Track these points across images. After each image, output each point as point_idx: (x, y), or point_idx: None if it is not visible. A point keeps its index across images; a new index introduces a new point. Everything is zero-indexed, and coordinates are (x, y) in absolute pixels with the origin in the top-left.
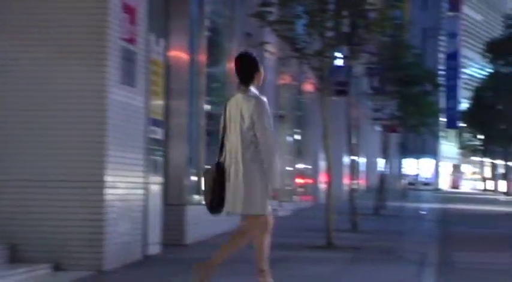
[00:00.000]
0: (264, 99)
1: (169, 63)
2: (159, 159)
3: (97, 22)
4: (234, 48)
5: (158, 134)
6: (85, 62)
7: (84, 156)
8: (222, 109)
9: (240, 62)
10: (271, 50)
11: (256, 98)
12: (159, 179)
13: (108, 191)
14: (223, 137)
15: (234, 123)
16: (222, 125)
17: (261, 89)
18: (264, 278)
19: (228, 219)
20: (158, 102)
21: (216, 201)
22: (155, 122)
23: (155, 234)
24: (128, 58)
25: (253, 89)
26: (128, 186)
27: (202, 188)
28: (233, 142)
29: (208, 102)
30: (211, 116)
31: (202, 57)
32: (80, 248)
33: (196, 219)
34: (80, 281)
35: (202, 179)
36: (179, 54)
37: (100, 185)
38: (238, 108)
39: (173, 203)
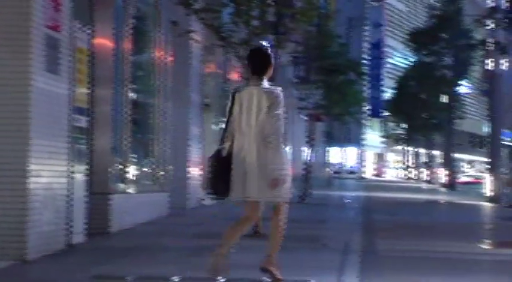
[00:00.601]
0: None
1: (94, 50)
2: (84, 147)
3: (20, 9)
4: (159, 36)
5: (83, 122)
6: (8, 49)
7: (7, 145)
8: (230, 99)
9: (255, 56)
10: (197, 38)
11: (277, 91)
12: (83, 167)
13: (31, 179)
14: (227, 126)
15: (247, 114)
16: (228, 114)
17: (186, 78)
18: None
19: (152, 209)
20: (83, 90)
21: (221, 187)
22: (79, 110)
23: (79, 223)
24: (52, 45)
25: (265, 82)
26: (52, 174)
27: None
28: (246, 133)
29: (134, 91)
30: (136, 104)
31: (128, 45)
32: (3, 238)
33: (121, 207)
34: (3, 271)
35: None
36: (104, 42)
37: (23, 173)
38: (254, 99)
39: (98, 191)
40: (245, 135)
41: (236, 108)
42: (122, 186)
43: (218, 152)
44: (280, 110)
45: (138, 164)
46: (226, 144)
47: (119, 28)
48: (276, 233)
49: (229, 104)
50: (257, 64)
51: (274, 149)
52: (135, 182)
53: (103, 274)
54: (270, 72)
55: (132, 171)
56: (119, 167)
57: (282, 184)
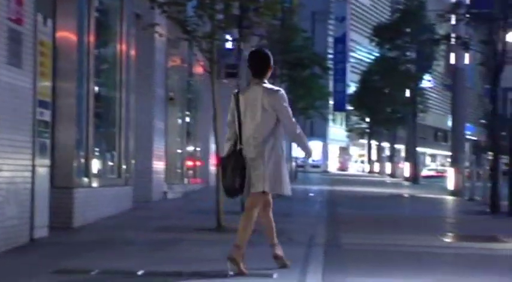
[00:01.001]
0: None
1: (57, 44)
2: (47, 141)
3: None
4: (123, 29)
5: (46, 115)
6: None
7: None
8: (232, 101)
9: (255, 58)
10: (161, 32)
11: (279, 91)
12: (46, 161)
13: None
14: (240, 126)
15: (251, 113)
16: (232, 114)
17: (150, 71)
18: (277, 250)
19: (116, 202)
20: (46, 84)
21: (240, 185)
22: (43, 104)
23: (43, 218)
24: (15, 39)
25: (266, 82)
26: (15, 168)
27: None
28: (250, 131)
29: (97, 84)
30: (100, 98)
31: (91, 39)
32: None
33: (84, 202)
34: None
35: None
36: (67, 35)
37: None
38: (257, 99)
39: (61, 185)
40: (251, 133)
41: (241, 108)
42: (85, 180)
43: (240, 152)
44: (288, 110)
45: (102, 157)
46: (237, 144)
47: (82, 21)
48: (243, 226)
49: (232, 106)
50: (257, 66)
51: (300, 141)
52: (99, 176)
53: (66, 268)
54: (269, 73)
55: (95, 165)
56: (82, 161)
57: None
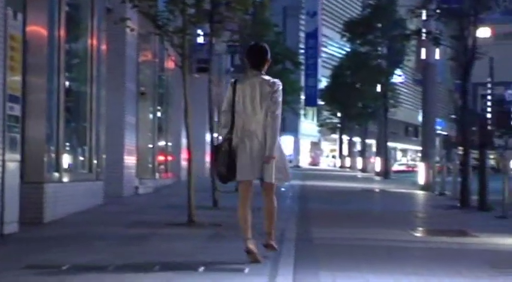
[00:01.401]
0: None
1: (27, 38)
2: (17, 136)
3: None
4: (94, 24)
5: (15, 110)
6: None
7: None
8: (230, 89)
9: (253, 51)
10: (132, 26)
11: (279, 83)
12: (16, 156)
13: None
14: (233, 116)
15: (251, 103)
16: (229, 104)
17: (121, 66)
18: (250, 244)
19: (87, 197)
20: (16, 78)
21: (230, 172)
22: (12, 98)
23: (12, 213)
24: None
25: (264, 74)
26: None
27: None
28: (252, 121)
29: (68, 79)
30: (71, 93)
31: (62, 33)
32: None
33: (54, 197)
34: None
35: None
36: (38, 29)
37: None
38: (257, 88)
39: (31, 180)
40: (251, 122)
41: (239, 97)
42: (56, 175)
43: (229, 141)
44: (280, 99)
45: (73, 152)
46: (227, 132)
47: (52, 15)
48: (272, 212)
49: (229, 94)
50: (256, 59)
51: (272, 134)
52: (70, 170)
53: (37, 263)
54: (267, 66)
55: (66, 160)
56: (53, 155)
57: (273, 163)
